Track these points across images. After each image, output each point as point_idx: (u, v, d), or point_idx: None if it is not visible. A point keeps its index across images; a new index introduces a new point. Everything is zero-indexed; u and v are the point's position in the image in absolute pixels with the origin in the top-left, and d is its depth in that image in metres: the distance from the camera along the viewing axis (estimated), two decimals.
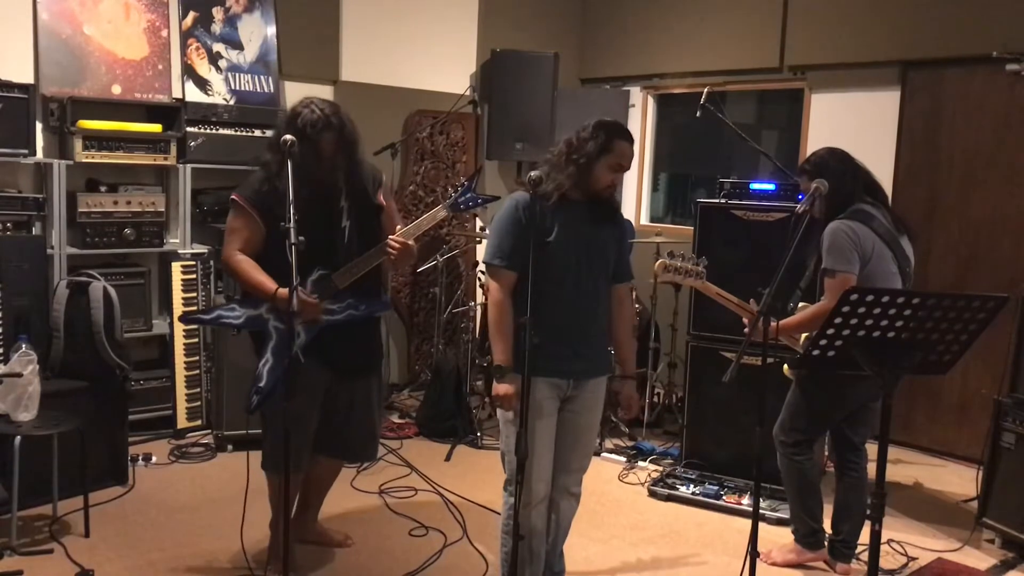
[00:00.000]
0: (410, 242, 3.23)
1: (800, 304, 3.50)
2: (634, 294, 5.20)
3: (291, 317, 2.83)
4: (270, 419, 3.27)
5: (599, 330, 3.05)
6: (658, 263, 3.39)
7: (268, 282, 3.10)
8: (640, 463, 4.76)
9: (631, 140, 2.94)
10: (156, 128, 4.72)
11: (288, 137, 2.95)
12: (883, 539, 2.77)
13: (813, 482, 3.59)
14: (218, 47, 5.13)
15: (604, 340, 3.10)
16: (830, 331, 2.39)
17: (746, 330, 3.42)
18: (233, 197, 3.22)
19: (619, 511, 4.15)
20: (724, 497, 4.22)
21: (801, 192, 3.51)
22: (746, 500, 4.17)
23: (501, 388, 2.93)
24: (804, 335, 3.44)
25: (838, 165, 3.36)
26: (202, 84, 5.06)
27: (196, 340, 4.86)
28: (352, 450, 3.55)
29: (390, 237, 3.24)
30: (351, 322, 3.26)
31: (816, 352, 2.45)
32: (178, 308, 4.78)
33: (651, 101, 6.59)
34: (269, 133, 4.99)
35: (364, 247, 3.27)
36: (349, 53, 5.70)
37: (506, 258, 2.93)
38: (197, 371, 4.86)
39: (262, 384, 3.15)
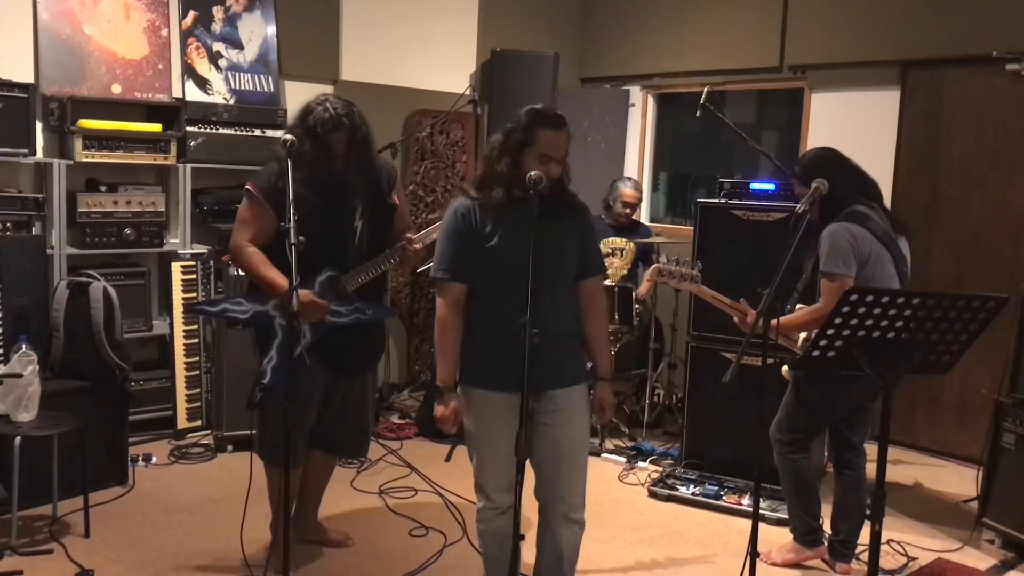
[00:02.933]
0: (420, 246, 3.25)
1: (798, 306, 3.50)
2: (634, 294, 5.24)
3: (294, 317, 2.83)
4: (269, 414, 3.27)
5: (562, 335, 2.77)
6: (652, 268, 3.39)
7: (280, 280, 3.08)
8: (640, 463, 4.75)
9: (558, 126, 2.69)
10: (156, 128, 4.72)
11: (288, 136, 2.95)
12: (883, 539, 2.77)
13: (809, 480, 3.59)
14: (218, 46, 5.13)
15: (571, 345, 2.84)
16: (830, 331, 2.39)
17: (735, 318, 3.44)
18: (248, 187, 3.21)
19: (619, 511, 4.15)
20: (724, 497, 4.22)
21: (796, 194, 3.50)
22: (746, 500, 4.17)
23: (439, 410, 2.78)
24: (802, 336, 3.45)
25: (829, 166, 3.33)
26: (202, 83, 5.06)
27: (196, 340, 4.86)
28: (344, 446, 3.56)
29: (408, 237, 3.23)
30: (356, 325, 3.27)
31: (816, 353, 2.45)
32: (178, 308, 4.78)
33: (651, 101, 6.59)
34: (269, 132, 5.04)
35: (375, 247, 3.28)
36: (349, 53, 5.70)
37: (448, 270, 2.76)
38: (197, 371, 4.86)
39: (266, 381, 3.16)
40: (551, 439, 2.79)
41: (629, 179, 5.65)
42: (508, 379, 2.64)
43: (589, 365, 2.95)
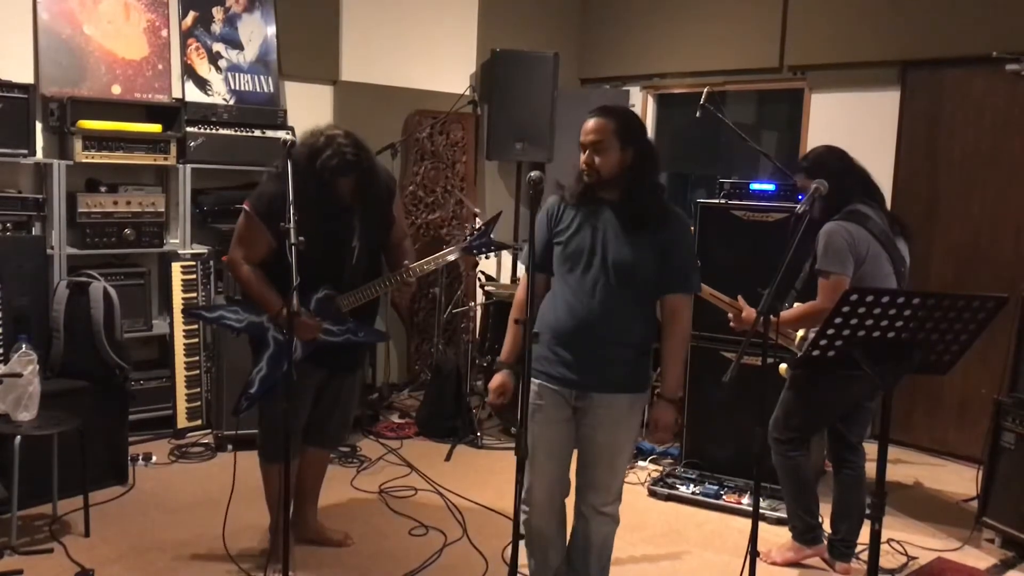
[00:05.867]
0: (414, 278, 3.33)
1: (795, 305, 3.50)
2: None
3: (289, 322, 2.83)
4: (263, 413, 3.34)
5: (614, 342, 2.78)
6: None
7: (273, 299, 3.13)
8: (640, 463, 4.76)
9: (593, 113, 2.79)
10: (156, 128, 4.72)
11: (288, 137, 2.95)
12: (883, 539, 2.77)
13: (808, 479, 3.59)
14: (218, 47, 5.13)
15: (626, 354, 2.81)
16: (830, 331, 2.39)
17: (732, 324, 3.44)
18: (245, 207, 3.23)
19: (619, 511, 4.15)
20: (724, 497, 4.22)
21: (798, 189, 3.51)
22: (746, 499, 4.17)
23: (492, 381, 2.95)
24: (799, 335, 3.45)
25: (836, 163, 3.36)
26: (202, 84, 5.06)
27: (196, 340, 4.86)
28: (327, 437, 3.59)
29: (407, 268, 3.29)
30: (347, 345, 3.30)
31: (816, 352, 2.45)
32: (178, 308, 4.78)
33: (651, 101, 6.59)
34: (269, 133, 5.04)
35: (372, 266, 3.33)
36: (349, 53, 5.70)
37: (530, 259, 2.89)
38: (197, 371, 4.86)
39: (252, 391, 3.24)
40: (590, 439, 2.86)
41: None
42: (552, 372, 2.80)
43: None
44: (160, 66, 4.92)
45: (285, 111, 5.24)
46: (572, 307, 2.78)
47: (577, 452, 2.92)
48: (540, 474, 2.87)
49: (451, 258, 3.44)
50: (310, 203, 3.04)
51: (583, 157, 2.79)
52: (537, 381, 2.82)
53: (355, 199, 3.21)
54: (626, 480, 4.48)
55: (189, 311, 3.24)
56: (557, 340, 2.79)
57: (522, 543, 2.88)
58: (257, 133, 5.04)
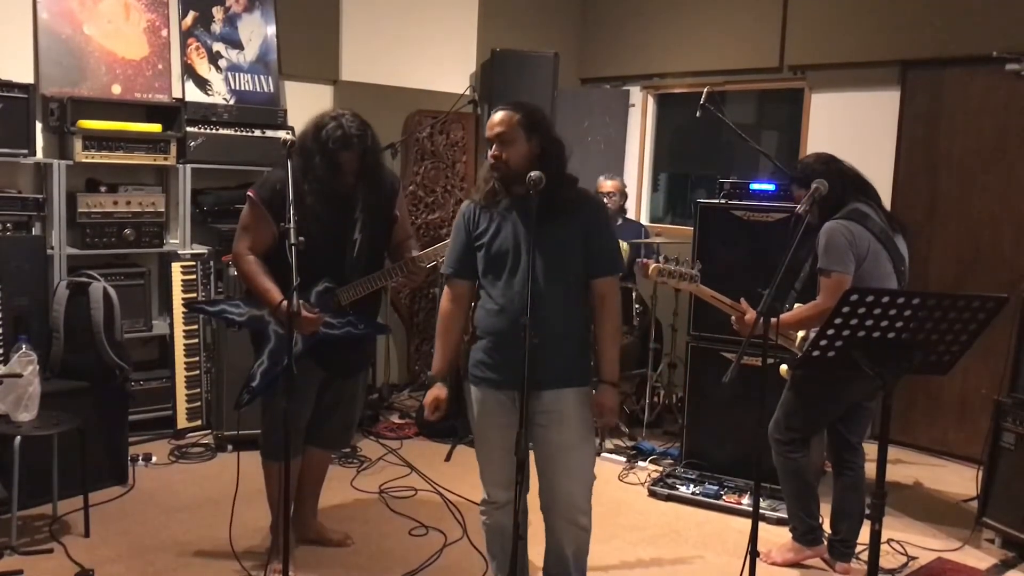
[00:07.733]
0: (426, 264, 3.32)
1: (796, 306, 3.51)
2: (634, 294, 5.23)
3: (289, 318, 2.83)
4: (265, 411, 3.35)
5: (558, 336, 2.72)
6: (652, 267, 3.40)
7: (274, 291, 3.12)
8: (640, 463, 4.76)
9: (497, 110, 2.81)
10: (156, 128, 4.71)
11: (287, 137, 2.96)
12: (883, 539, 2.77)
13: (808, 479, 3.60)
14: (218, 47, 5.13)
15: (570, 347, 2.78)
16: (830, 332, 2.39)
17: (734, 327, 3.45)
18: (250, 194, 3.23)
19: (619, 511, 4.15)
20: (724, 497, 4.22)
21: (794, 198, 3.53)
22: (746, 500, 4.17)
23: (427, 396, 2.91)
24: (800, 335, 3.45)
25: (824, 168, 3.37)
26: (202, 84, 5.06)
27: (196, 340, 4.86)
28: (329, 439, 3.59)
29: (414, 256, 3.27)
30: (347, 338, 3.29)
31: (816, 353, 2.45)
32: (178, 308, 4.78)
33: (651, 101, 6.59)
34: (269, 133, 5.04)
35: (372, 260, 3.31)
36: (349, 53, 5.70)
37: (451, 266, 2.89)
38: (197, 371, 4.86)
39: (254, 384, 3.23)
40: (545, 441, 2.81)
41: (606, 174, 5.70)
42: (495, 376, 2.77)
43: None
44: (160, 66, 4.92)
45: (285, 111, 5.25)
46: (505, 309, 2.73)
47: (534, 458, 2.82)
48: (499, 477, 2.84)
49: None
50: (316, 179, 3.05)
51: (491, 152, 2.77)
52: (476, 388, 2.84)
53: (359, 181, 3.20)
54: (626, 480, 4.52)
55: (191, 305, 3.29)
56: (494, 344, 2.76)
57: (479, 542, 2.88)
58: (257, 133, 5.04)
